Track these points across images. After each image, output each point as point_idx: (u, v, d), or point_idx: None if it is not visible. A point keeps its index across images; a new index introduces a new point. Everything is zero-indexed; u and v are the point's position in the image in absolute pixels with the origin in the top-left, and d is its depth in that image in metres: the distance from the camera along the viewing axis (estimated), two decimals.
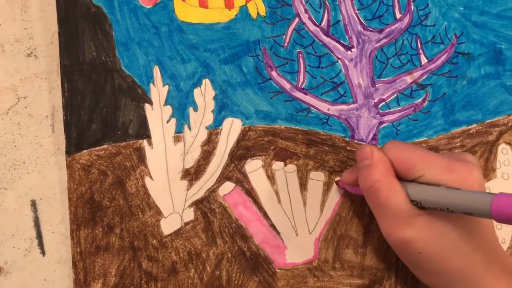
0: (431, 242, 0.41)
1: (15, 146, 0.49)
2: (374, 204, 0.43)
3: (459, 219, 0.41)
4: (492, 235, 0.43)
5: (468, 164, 0.42)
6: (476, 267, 0.41)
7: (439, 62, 0.51)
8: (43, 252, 0.49)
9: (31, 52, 0.49)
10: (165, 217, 0.48)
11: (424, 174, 0.41)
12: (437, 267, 0.42)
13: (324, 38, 0.50)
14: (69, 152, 0.47)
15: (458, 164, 0.42)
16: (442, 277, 0.42)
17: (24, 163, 0.49)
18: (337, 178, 0.50)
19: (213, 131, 0.49)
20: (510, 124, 0.52)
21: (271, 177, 0.49)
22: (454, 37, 0.52)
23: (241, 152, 0.49)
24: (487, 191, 0.51)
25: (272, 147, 0.50)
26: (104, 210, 0.48)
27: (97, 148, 0.48)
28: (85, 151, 0.48)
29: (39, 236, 0.49)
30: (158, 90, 0.49)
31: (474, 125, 0.52)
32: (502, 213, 0.35)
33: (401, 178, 0.43)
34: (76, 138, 0.47)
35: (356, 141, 0.50)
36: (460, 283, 0.42)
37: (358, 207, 0.50)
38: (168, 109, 0.49)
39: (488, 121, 0.52)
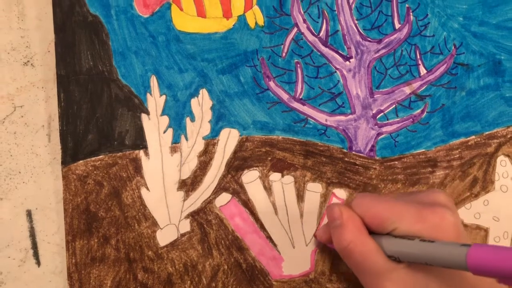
0: None
1: (11, 156, 0.49)
2: (351, 264, 0.42)
3: (440, 270, 0.40)
4: (476, 283, 0.41)
5: (438, 208, 0.41)
6: None
7: (438, 73, 0.51)
8: (38, 263, 0.49)
9: (28, 61, 0.49)
10: (161, 228, 0.48)
11: (397, 228, 0.40)
12: None
13: (322, 48, 0.50)
14: (65, 162, 0.47)
15: (428, 212, 0.40)
16: None
17: (20, 172, 0.49)
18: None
19: (210, 141, 0.49)
20: (509, 136, 0.51)
21: (268, 188, 0.49)
22: (453, 48, 0.51)
23: (238, 163, 0.49)
24: (486, 203, 0.51)
25: (269, 158, 0.49)
26: (100, 221, 0.47)
27: (93, 159, 0.47)
28: (81, 161, 0.47)
29: (34, 246, 0.49)
30: (155, 100, 0.48)
31: (473, 136, 0.51)
32: (479, 267, 0.34)
33: (375, 232, 0.42)
34: (72, 148, 0.47)
35: (354, 152, 0.50)
36: None
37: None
38: (165, 119, 0.48)
39: (487, 132, 0.51)
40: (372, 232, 0.42)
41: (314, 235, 0.49)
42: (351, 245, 0.41)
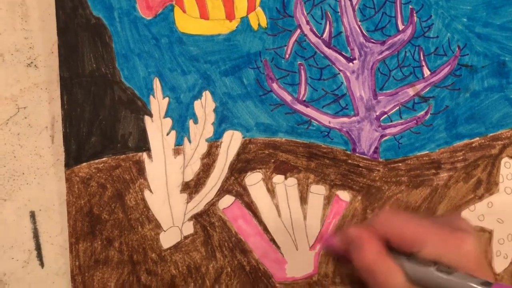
0: None
1: (15, 157, 0.49)
2: (372, 283, 0.42)
3: None
4: None
5: (460, 233, 0.41)
6: None
7: (442, 74, 0.51)
8: (42, 264, 0.49)
9: (31, 62, 0.49)
10: (165, 231, 0.48)
11: (420, 251, 0.40)
12: None
13: (325, 49, 0.50)
14: (68, 165, 0.47)
15: (451, 237, 0.41)
16: None
17: (23, 174, 0.49)
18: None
19: (213, 143, 0.49)
20: None
21: (271, 191, 0.49)
22: (457, 49, 0.51)
23: (241, 165, 0.49)
24: (490, 205, 0.51)
25: (272, 160, 0.49)
26: (103, 223, 0.47)
27: (96, 161, 0.47)
28: (84, 164, 0.47)
29: (38, 247, 0.49)
30: (158, 102, 0.48)
31: (477, 138, 0.51)
32: None
33: (396, 250, 0.42)
34: (76, 150, 0.47)
35: (357, 154, 0.50)
36: None
37: (359, 221, 0.49)
38: (168, 122, 0.48)
39: (491, 134, 0.51)
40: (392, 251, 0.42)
41: (324, 241, 0.49)
42: (373, 266, 0.41)
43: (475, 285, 0.36)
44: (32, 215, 0.49)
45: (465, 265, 0.39)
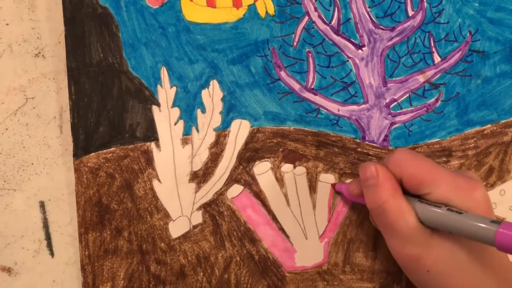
0: (440, 260, 0.40)
1: (24, 147, 0.49)
2: (382, 223, 0.42)
3: (467, 241, 0.40)
4: (504, 256, 0.42)
5: (473, 180, 0.41)
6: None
7: (452, 60, 0.50)
8: (52, 254, 0.49)
9: (39, 52, 0.49)
10: (173, 220, 0.48)
11: (431, 192, 0.41)
12: (445, 286, 0.41)
13: (334, 37, 0.49)
14: (76, 155, 0.47)
15: (463, 181, 0.41)
16: None
17: (32, 164, 0.49)
18: (333, 182, 0.49)
19: (221, 133, 0.49)
20: None
21: (280, 180, 0.49)
22: (468, 35, 0.50)
23: (249, 154, 0.49)
24: (502, 193, 0.50)
25: (281, 149, 0.49)
26: (112, 213, 0.47)
27: (104, 151, 0.47)
28: (92, 154, 0.47)
29: (48, 237, 0.49)
30: (166, 92, 0.48)
31: (489, 125, 0.50)
32: (507, 245, 0.35)
33: (407, 192, 0.42)
34: (84, 141, 0.47)
35: (367, 142, 0.50)
36: None
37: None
38: (176, 111, 0.48)
39: (503, 121, 0.51)
40: (404, 192, 0.42)
41: (332, 186, 0.49)
42: (385, 205, 0.41)
43: (484, 224, 0.37)
44: (42, 205, 0.49)
45: (474, 211, 0.39)
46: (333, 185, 0.49)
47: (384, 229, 0.42)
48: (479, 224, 0.37)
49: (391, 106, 0.50)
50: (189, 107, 0.48)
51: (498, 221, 0.36)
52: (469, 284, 0.40)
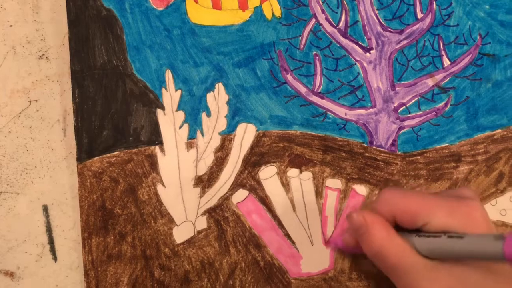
0: None
1: (27, 150, 0.48)
2: (385, 268, 0.41)
3: (476, 263, 0.39)
4: None
5: (468, 201, 0.40)
6: None
7: (462, 64, 0.49)
8: (55, 258, 0.49)
9: (43, 54, 0.49)
10: (178, 225, 0.47)
11: (428, 222, 0.39)
12: None
13: (341, 39, 0.49)
14: (80, 159, 0.47)
15: (460, 205, 0.40)
16: None
17: (36, 167, 0.48)
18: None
19: (227, 137, 0.48)
20: None
21: (285, 185, 0.48)
22: (478, 38, 0.49)
23: (255, 159, 0.48)
24: None
25: (287, 154, 0.48)
26: (116, 218, 0.47)
27: (108, 155, 0.47)
28: (96, 158, 0.47)
29: (51, 241, 0.48)
30: (171, 95, 0.47)
31: (499, 130, 0.50)
32: None
33: (403, 228, 0.41)
34: (87, 144, 0.47)
35: (374, 147, 0.49)
36: None
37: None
38: (181, 115, 0.48)
39: None
40: (398, 230, 0.41)
41: (326, 242, 0.48)
42: (382, 249, 0.40)
43: (489, 241, 0.36)
44: (45, 209, 0.48)
45: (477, 231, 0.39)
46: (326, 243, 0.48)
47: (390, 272, 0.41)
48: (484, 242, 0.36)
49: (399, 110, 0.49)
50: (194, 111, 0.48)
51: (502, 235, 0.35)
52: None
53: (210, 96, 0.48)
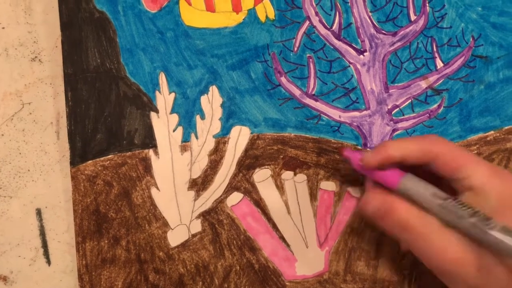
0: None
1: (20, 154, 0.48)
2: (409, 240, 0.40)
3: None
4: None
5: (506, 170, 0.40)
6: None
7: (455, 66, 0.49)
8: (48, 262, 0.48)
9: (36, 57, 0.48)
10: (172, 229, 0.47)
11: (470, 176, 0.39)
12: None
13: (335, 42, 0.49)
14: (73, 163, 0.46)
15: (503, 171, 0.39)
16: None
17: (29, 170, 0.48)
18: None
19: (221, 139, 0.48)
20: None
21: (280, 187, 0.48)
22: (471, 40, 0.49)
23: (249, 162, 0.48)
24: None
25: (281, 156, 0.48)
26: (110, 222, 0.47)
27: (102, 158, 0.47)
28: (90, 161, 0.47)
29: (44, 245, 0.48)
30: (164, 98, 0.47)
31: (492, 132, 0.50)
32: None
33: (441, 176, 0.40)
34: (81, 148, 0.46)
35: (368, 149, 0.49)
36: None
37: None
38: (175, 117, 0.47)
39: (506, 127, 0.50)
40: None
41: (342, 152, 0.45)
42: (408, 225, 0.40)
43: None
44: (39, 213, 0.48)
45: (508, 206, 0.37)
46: (340, 150, 0.46)
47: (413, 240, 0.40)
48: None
49: (393, 112, 0.49)
50: (188, 114, 0.47)
51: None
52: None
53: (204, 99, 0.48)
